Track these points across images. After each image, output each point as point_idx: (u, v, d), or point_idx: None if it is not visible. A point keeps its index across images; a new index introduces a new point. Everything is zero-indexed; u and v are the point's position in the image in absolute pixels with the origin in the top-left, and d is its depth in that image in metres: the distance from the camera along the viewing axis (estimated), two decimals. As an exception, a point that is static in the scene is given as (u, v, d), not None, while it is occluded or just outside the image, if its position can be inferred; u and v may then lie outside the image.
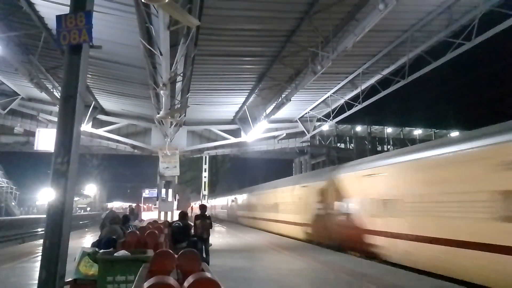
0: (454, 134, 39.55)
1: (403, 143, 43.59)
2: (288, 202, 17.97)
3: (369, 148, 42.04)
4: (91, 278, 5.35)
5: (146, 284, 2.33)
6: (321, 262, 10.42)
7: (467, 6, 9.75)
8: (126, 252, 5.26)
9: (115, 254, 5.16)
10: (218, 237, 18.61)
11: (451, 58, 11.23)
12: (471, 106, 48.80)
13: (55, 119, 18.00)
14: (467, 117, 45.63)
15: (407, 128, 45.67)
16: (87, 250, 5.76)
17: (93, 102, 17.65)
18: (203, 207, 10.51)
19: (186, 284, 2.42)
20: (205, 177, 33.50)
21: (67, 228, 4.19)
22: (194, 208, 33.54)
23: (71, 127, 4.37)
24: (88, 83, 14.74)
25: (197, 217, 10.09)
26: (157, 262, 3.66)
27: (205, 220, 9.90)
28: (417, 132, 46.11)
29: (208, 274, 2.58)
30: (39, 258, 4.17)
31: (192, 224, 9.84)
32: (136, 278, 3.34)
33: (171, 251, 3.92)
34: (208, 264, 9.40)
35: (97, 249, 5.85)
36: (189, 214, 11.68)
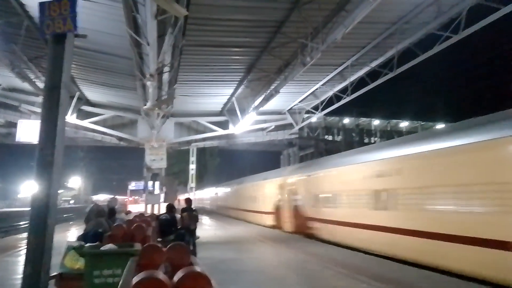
0: (440, 126, 40.23)
1: (390, 135, 44.15)
2: (256, 195, 21.49)
3: (357, 140, 42.48)
4: (77, 272, 5.27)
5: (135, 279, 2.28)
6: (309, 253, 10.52)
7: (455, -1, 9.81)
8: (113, 245, 5.18)
9: (101, 248, 5.08)
10: (207, 229, 18.61)
11: (439, 51, 11.30)
12: (457, 99, 49.53)
13: (39, 110, 17.56)
14: (453, 110, 46.33)
15: (394, 120, 46.18)
16: (73, 244, 5.66)
17: (78, 93, 17.25)
18: (188, 201, 10.55)
19: (175, 278, 2.38)
20: (192, 169, 33.29)
21: (52, 222, 4.09)
22: (181, 201, 33.47)
23: (55, 119, 4.24)
24: (72, 73, 14.39)
25: (183, 209, 10.13)
26: (146, 256, 3.62)
27: (191, 213, 9.92)
28: (404, 124, 46.69)
29: (197, 268, 2.54)
30: (23, 252, 4.08)
31: (179, 216, 9.82)
32: (124, 272, 3.28)
33: (159, 245, 3.88)
34: (196, 256, 9.43)
35: (83, 243, 5.76)
36: (176, 207, 11.65)
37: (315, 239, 13.51)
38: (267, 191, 19.59)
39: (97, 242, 5.75)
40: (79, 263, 5.38)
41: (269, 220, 18.66)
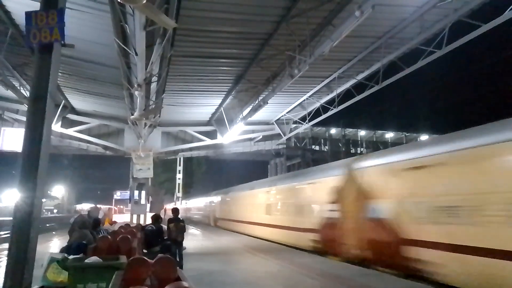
0: (424, 137, 40.97)
1: (375, 146, 44.73)
2: (233, 205, 23.47)
3: (343, 150, 42.89)
4: (59, 286, 5.14)
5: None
6: (297, 264, 10.48)
7: (438, 15, 10.10)
8: (98, 258, 5.07)
9: (86, 261, 4.96)
10: (194, 240, 18.38)
11: (424, 65, 11.59)
12: (441, 111, 50.72)
13: (22, 118, 17.24)
14: (437, 122, 47.36)
15: (380, 131, 46.84)
16: (55, 256, 5.52)
17: (63, 101, 17.02)
18: (175, 211, 10.37)
19: (164, 294, 2.35)
20: (179, 178, 33.01)
21: (35, 233, 4.01)
22: (168, 210, 33.10)
23: (40, 129, 4.18)
24: (58, 81, 14.19)
25: (170, 220, 9.92)
26: (131, 270, 3.56)
27: (178, 223, 9.75)
28: (389, 135, 47.40)
29: (185, 284, 2.51)
30: (2, 263, 3.97)
31: (166, 227, 9.68)
32: (110, 286, 3.22)
33: (145, 258, 3.81)
34: (182, 268, 9.28)
35: (66, 255, 5.63)
36: (163, 217, 11.49)
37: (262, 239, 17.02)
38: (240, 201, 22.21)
39: (81, 254, 5.61)
40: (62, 276, 5.24)
41: (243, 228, 21.06)
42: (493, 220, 6.35)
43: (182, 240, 9.88)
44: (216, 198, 27.74)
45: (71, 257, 5.36)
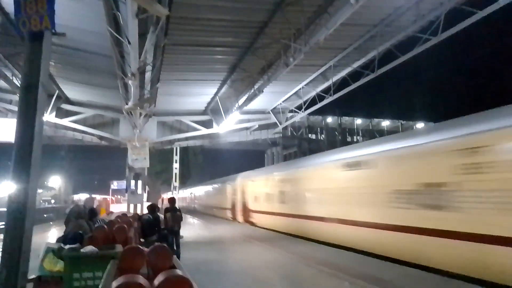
0: (420, 125, 41.10)
1: (372, 134, 44.82)
2: (215, 194, 29.24)
3: (340, 139, 42.95)
4: (56, 275, 5.18)
5: (114, 284, 2.26)
6: (293, 252, 10.58)
7: (433, 2, 10.03)
8: (94, 248, 5.10)
9: (82, 250, 5.00)
10: (191, 229, 18.50)
11: (420, 52, 11.54)
12: (437, 99, 50.89)
13: (15, 108, 17.09)
14: (433, 110, 47.52)
15: (376, 120, 46.87)
16: (52, 246, 5.56)
17: (57, 91, 16.87)
18: (172, 200, 10.40)
19: (156, 282, 2.36)
20: (176, 168, 33.02)
21: (30, 223, 4.01)
22: (165, 200, 33.24)
23: (32, 118, 4.16)
24: (51, 71, 14.06)
25: (166, 210, 9.96)
26: (126, 259, 3.57)
27: (175, 213, 9.79)
28: (385, 123, 47.45)
29: (179, 272, 2.53)
30: (-1, 255, 3.98)
31: (162, 217, 9.72)
32: (104, 275, 3.24)
33: (140, 247, 3.82)
34: (179, 257, 9.35)
35: (62, 245, 5.65)
36: (160, 206, 11.54)
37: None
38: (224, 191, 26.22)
39: (77, 244, 5.64)
40: (58, 266, 5.28)
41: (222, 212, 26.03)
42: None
43: (179, 229, 9.93)
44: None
45: (67, 247, 5.39)
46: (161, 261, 3.36)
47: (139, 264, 3.51)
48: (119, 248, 4.99)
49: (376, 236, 9.39)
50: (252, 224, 18.87)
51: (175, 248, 9.41)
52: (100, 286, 2.68)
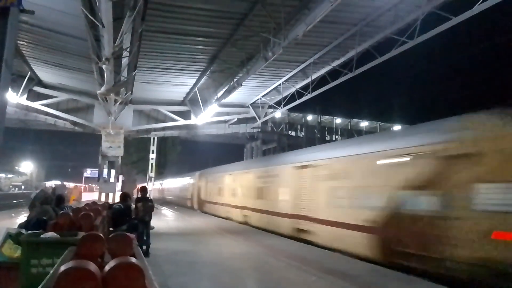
0: (397, 127, 42.08)
1: (350, 134, 45.54)
2: (180, 187, 35.61)
3: (318, 136, 43.41)
4: (16, 261, 5.01)
5: (62, 268, 2.19)
6: (265, 246, 10.68)
7: (412, 5, 10.20)
8: (55, 234, 4.97)
9: (42, 236, 4.86)
10: (165, 220, 18.34)
11: (397, 55, 11.74)
12: (414, 101, 52.11)
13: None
14: (410, 112, 48.65)
15: (355, 120, 47.60)
16: (11, 232, 5.38)
17: (29, 73, 16.25)
18: (144, 190, 10.27)
19: (107, 268, 2.32)
20: (152, 158, 32.54)
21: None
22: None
23: (-6, 97, 3.99)
24: (23, 51, 13.53)
25: (138, 199, 9.82)
26: (85, 246, 3.48)
27: (146, 203, 9.67)
28: (364, 124, 48.25)
29: (132, 259, 2.49)
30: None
31: (134, 206, 9.58)
32: (58, 262, 3.16)
33: (100, 234, 3.75)
34: (149, 247, 9.27)
35: (24, 231, 5.48)
36: (135, 196, 11.38)
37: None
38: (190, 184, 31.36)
39: (41, 230, 5.48)
40: (18, 252, 5.12)
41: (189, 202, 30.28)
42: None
43: (150, 219, 9.82)
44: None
45: (28, 232, 5.23)
46: (122, 249, 3.30)
47: (99, 252, 3.44)
48: (81, 235, 4.88)
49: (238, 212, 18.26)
50: (203, 211, 24.93)
51: (144, 238, 9.31)
52: (51, 272, 2.61)
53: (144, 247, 8.80)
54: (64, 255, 3.31)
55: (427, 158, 7.48)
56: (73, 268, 2.17)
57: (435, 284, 6.62)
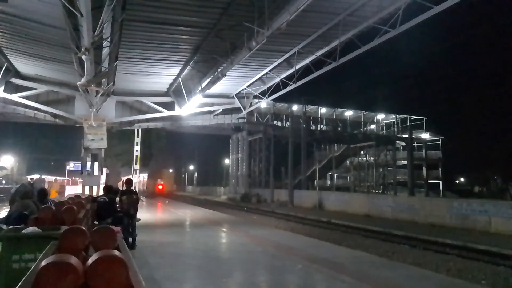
0: (380, 116, 42.59)
1: (335, 123, 45.85)
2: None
3: (304, 126, 43.58)
4: (-4, 257, 4.90)
5: (44, 262, 2.16)
6: (251, 236, 10.73)
7: (394, -6, 10.28)
8: (36, 228, 4.87)
9: (23, 231, 4.76)
10: (152, 212, 18.22)
11: (381, 44, 11.79)
12: (397, 92, 52.85)
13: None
14: (393, 101, 49.34)
15: (340, 109, 47.87)
16: (-10, 227, 5.25)
17: (6, 64, 15.73)
18: (129, 182, 10.13)
19: (90, 261, 2.29)
20: (137, 150, 32.14)
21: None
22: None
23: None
24: (-2, 42, 13.09)
25: (123, 192, 9.67)
26: (67, 240, 3.42)
27: (131, 196, 9.54)
28: (348, 113, 48.62)
29: (115, 252, 2.46)
30: None
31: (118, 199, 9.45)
32: (40, 256, 3.10)
33: (83, 228, 3.69)
34: (135, 240, 9.19)
35: (4, 226, 5.36)
36: (120, 189, 11.22)
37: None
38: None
39: (22, 225, 5.37)
40: (-1, 248, 5.01)
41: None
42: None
43: (135, 212, 9.71)
44: None
45: (9, 227, 5.12)
46: (105, 243, 3.25)
47: (81, 245, 3.38)
48: (64, 229, 4.79)
49: None
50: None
51: (130, 230, 9.22)
52: (33, 267, 2.56)
53: (130, 239, 8.72)
54: (46, 250, 3.25)
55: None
56: (54, 262, 2.13)
57: (418, 268, 6.80)
